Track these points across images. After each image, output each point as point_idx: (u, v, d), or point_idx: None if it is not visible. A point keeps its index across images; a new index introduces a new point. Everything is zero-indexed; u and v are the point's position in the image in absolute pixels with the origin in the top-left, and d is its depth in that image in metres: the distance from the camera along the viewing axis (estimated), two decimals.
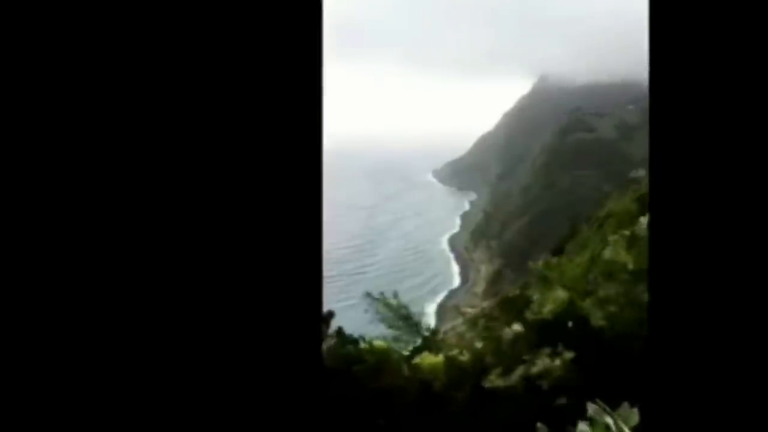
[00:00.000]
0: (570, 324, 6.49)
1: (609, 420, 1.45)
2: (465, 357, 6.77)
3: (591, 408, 1.48)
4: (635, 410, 1.48)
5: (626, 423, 1.46)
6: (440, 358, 6.75)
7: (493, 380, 6.16)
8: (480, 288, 58.61)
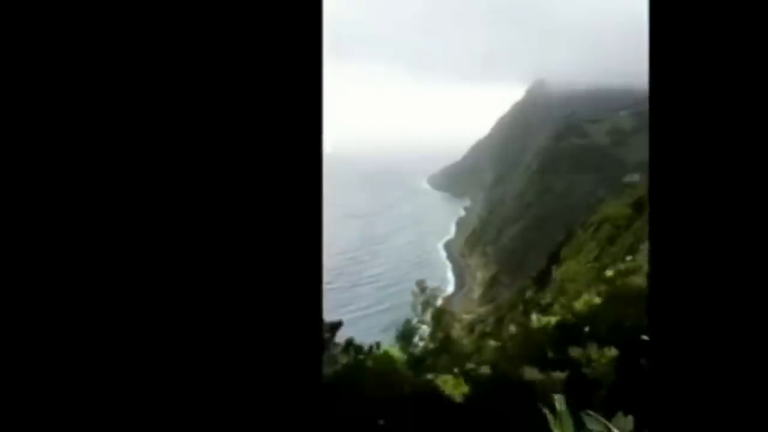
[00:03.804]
0: (586, 329, 6.62)
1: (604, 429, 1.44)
2: (484, 369, 6.83)
3: (585, 417, 1.46)
4: (630, 418, 1.48)
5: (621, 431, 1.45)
6: (462, 383, 6.78)
7: (531, 373, 6.26)
8: (476, 294, 58.71)
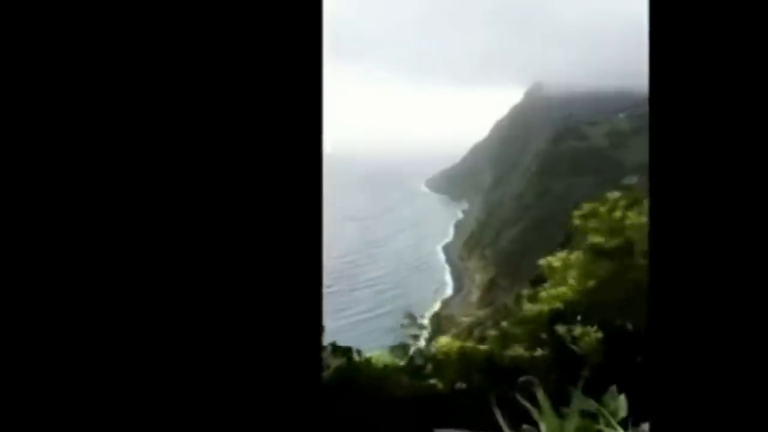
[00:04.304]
0: (579, 318, 6.75)
1: (595, 409, 1.44)
2: (480, 349, 6.96)
3: (576, 396, 1.46)
4: (623, 398, 1.47)
5: (614, 413, 1.44)
6: (455, 342, 6.95)
7: (517, 350, 6.41)
8: (474, 296, 58.71)
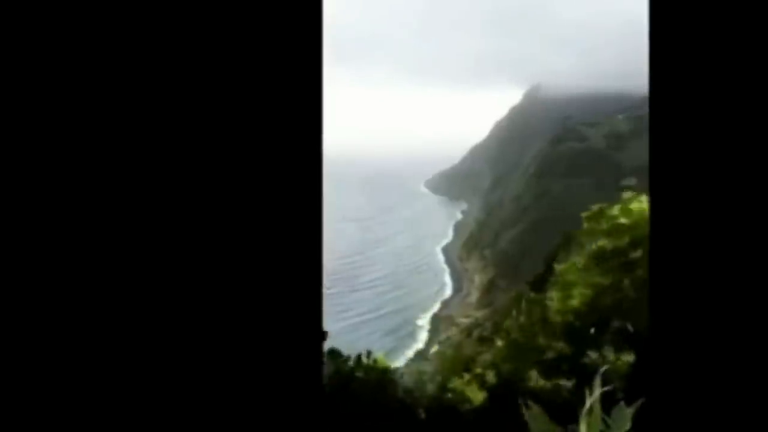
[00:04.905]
0: (592, 330, 6.68)
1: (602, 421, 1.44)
2: (491, 377, 6.87)
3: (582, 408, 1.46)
4: (629, 411, 1.48)
5: (620, 426, 1.45)
6: (474, 385, 6.82)
7: (536, 380, 6.33)
8: (473, 297, 58.69)
